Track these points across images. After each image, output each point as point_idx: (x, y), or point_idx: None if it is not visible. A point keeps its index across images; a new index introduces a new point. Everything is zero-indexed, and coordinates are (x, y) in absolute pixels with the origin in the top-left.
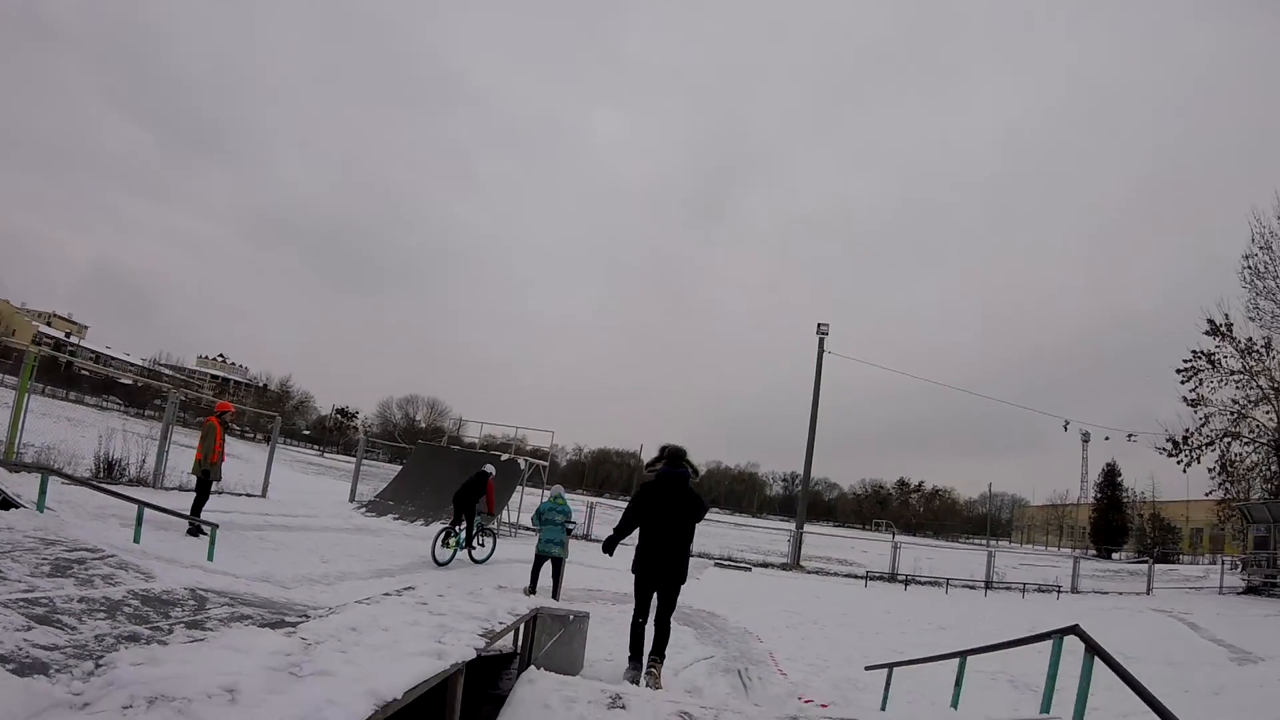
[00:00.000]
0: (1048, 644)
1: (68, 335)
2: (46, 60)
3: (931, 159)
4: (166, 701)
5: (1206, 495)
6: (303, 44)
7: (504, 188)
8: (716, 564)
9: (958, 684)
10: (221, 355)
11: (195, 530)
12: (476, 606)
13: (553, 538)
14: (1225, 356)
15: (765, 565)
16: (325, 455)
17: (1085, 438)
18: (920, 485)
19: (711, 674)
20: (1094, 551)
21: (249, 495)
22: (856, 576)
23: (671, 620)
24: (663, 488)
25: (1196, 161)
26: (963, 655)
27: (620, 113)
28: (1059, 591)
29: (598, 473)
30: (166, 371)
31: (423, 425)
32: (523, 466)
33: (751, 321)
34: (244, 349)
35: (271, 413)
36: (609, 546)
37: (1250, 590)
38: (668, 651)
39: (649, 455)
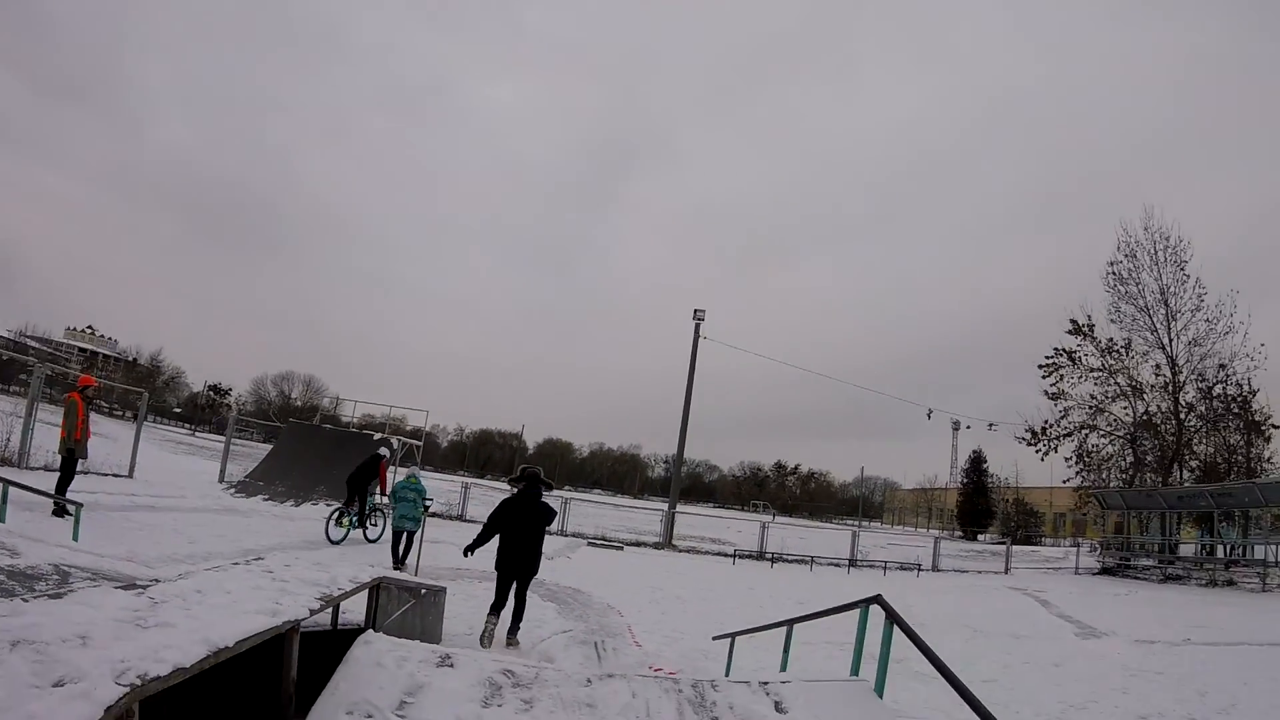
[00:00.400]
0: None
1: None
2: None
3: (825, 150)
4: (28, 644)
5: (1065, 483)
6: None
7: (392, 152)
8: (590, 544)
9: (785, 649)
10: (90, 327)
11: (60, 510)
12: (319, 574)
13: (406, 513)
14: (1086, 355)
15: (639, 544)
16: (197, 434)
17: (956, 426)
18: (796, 468)
19: (568, 646)
20: (960, 533)
21: (115, 475)
22: (727, 555)
23: (536, 597)
24: (521, 504)
25: (1077, 171)
26: (789, 624)
27: (519, 85)
28: (919, 570)
29: (479, 454)
30: (33, 344)
31: (299, 403)
32: (395, 446)
33: (639, 304)
34: (114, 320)
35: (139, 389)
36: (468, 551)
37: (1105, 571)
38: (528, 626)
39: (530, 437)
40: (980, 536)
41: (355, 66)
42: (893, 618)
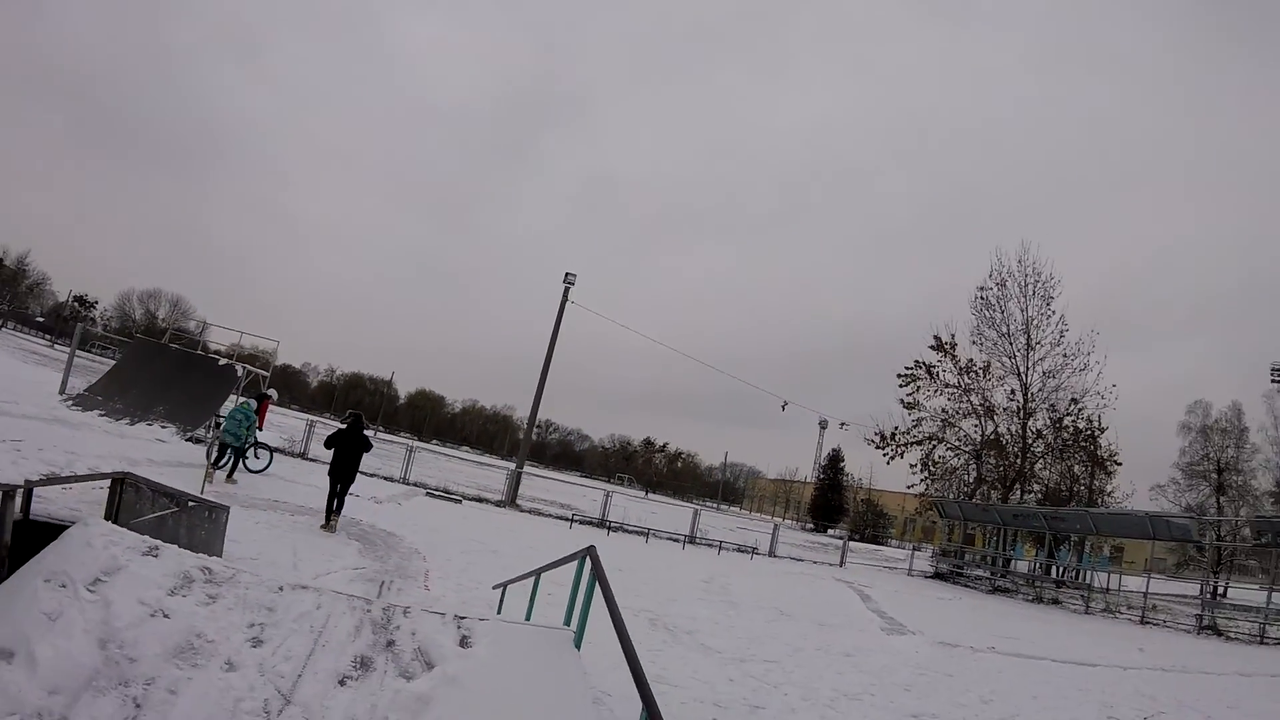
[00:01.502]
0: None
1: None
2: None
3: (739, 142)
4: None
5: (908, 489)
6: None
7: (296, 75)
8: (429, 494)
9: (532, 597)
10: None
11: None
12: (65, 459)
13: (230, 429)
14: (944, 370)
15: (480, 500)
16: (56, 346)
17: (823, 424)
18: (664, 446)
19: (352, 581)
20: (812, 525)
21: None
22: (567, 519)
23: (343, 535)
24: (347, 435)
25: (967, 200)
26: (537, 573)
27: (442, 22)
28: (754, 553)
29: (349, 396)
30: None
31: (164, 324)
32: (239, 374)
33: (531, 265)
34: None
35: None
36: (327, 444)
37: (937, 576)
38: (321, 560)
39: (402, 384)
40: (830, 531)
41: None
42: (597, 572)
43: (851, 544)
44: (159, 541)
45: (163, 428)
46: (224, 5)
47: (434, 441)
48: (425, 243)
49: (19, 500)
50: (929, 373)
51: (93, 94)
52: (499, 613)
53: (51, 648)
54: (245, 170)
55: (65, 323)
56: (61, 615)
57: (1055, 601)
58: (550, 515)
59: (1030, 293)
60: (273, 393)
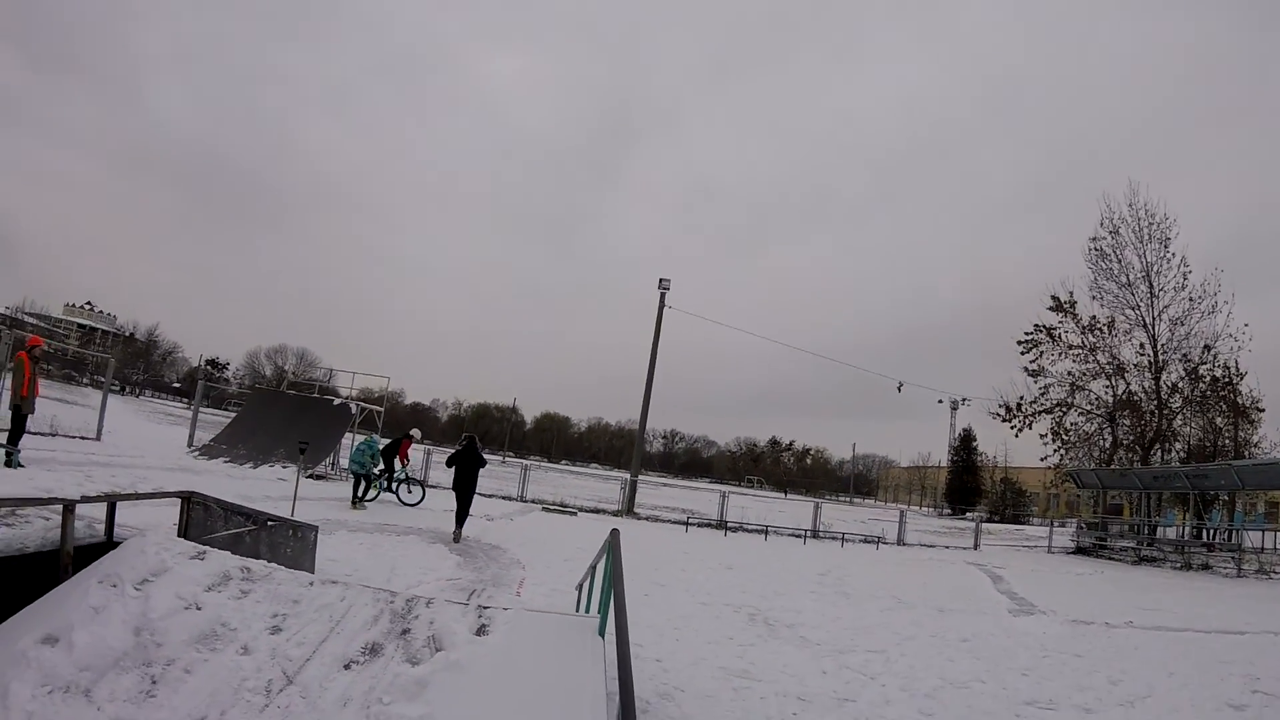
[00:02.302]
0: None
1: None
2: None
3: (825, 128)
4: None
5: (1041, 460)
6: None
7: (391, 123)
8: (544, 509)
9: (589, 586)
10: (90, 303)
11: (9, 461)
12: (125, 478)
13: (356, 459)
14: (1066, 331)
15: (597, 511)
16: (191, 408)
17: (954, 405)
18: (791, 444)
19: (443, 591)
20: (949, 510)
21: (83, 438)
22: (683, 524)
23: (443, 549)
24: (464, 454)
25: (1069, 153)
26: (591, 568)
27: (521, 57)
28: (880, 542)
29: (478, 426)
30: (30, 321)
31: (293, 376)
32: (353, 411)
33: (638, 279)
34: (113, 295)
35: (106, 355)
36: (449, 463)
37: (1079, 551)
38: (415, 573)
39: (527, 409)
40: (968, 515)
41: (355, 36)
42: (614, 556)
43: (989, 526)
44: (207, 547)
45: (284, 468)
46: (309, 66)
47: (563, 461)
48: (533, 270)
49: (103, 520)
50: (1050, 335)
51: (199, 169)
52: (579, 611)
53: (90, 634)
54: (354, 220)
55: (203, 388)
56: (106, 609)
57: (1205, 567)
58: (667, 521)
59: (1146, 237)
60: (415, 431)
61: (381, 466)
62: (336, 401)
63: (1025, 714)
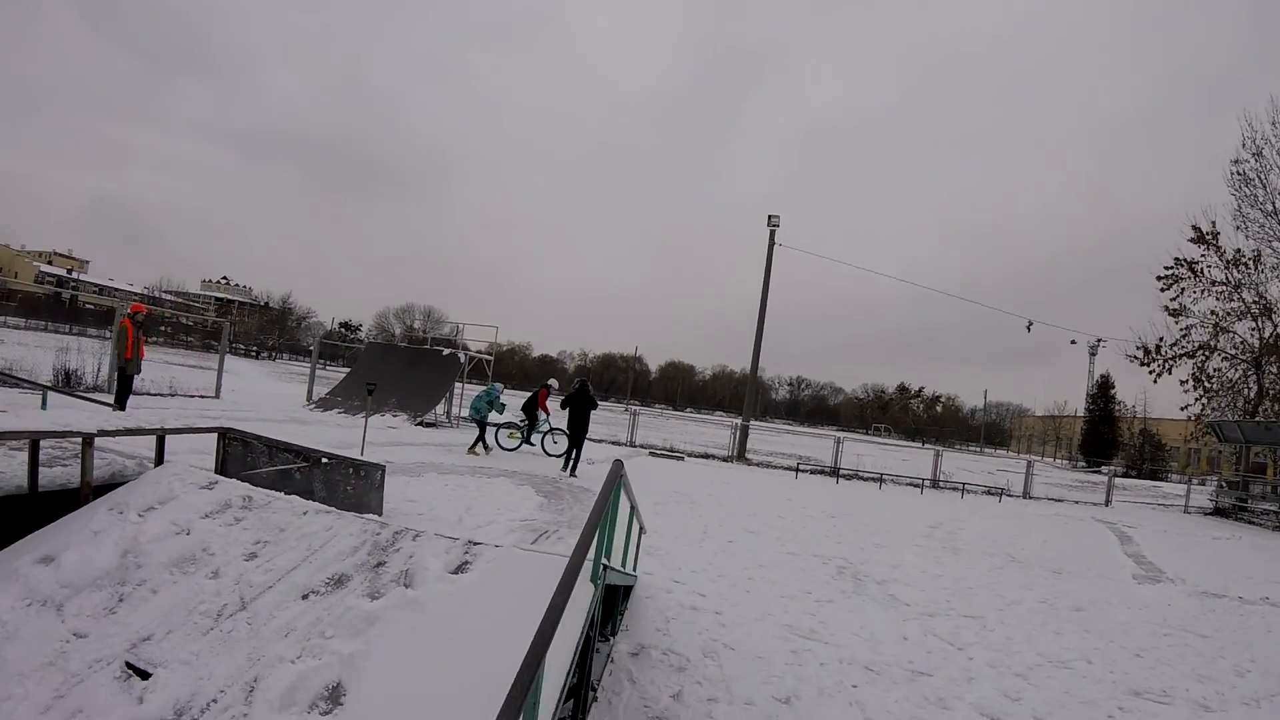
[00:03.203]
0: None
1: (69, 272)
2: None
3: (939, 59)
4: None
5: (1182, 410)
6: None
7: (498, 89)
8: (651, 454)
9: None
10: (225, 278)
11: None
12: (161, 416)
13: (477, 406)
14: (1209, 266)
15: (706, 457)
16: (328, 368)
17: (1092, 350)
18: (920, 391)
19: (512, 531)
20: (1083, 463)
21: (202, 396)
22: (794, 469)
23: (530, 489)
24: (578, 395)
25: (1210, 65)
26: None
27: (619, 10)
28: (1003, 494)
29: (604, 377)
30: (169, 298)
31: (421, 334)
32: (462, 360)
33: (758, 225)
34: (247, 269)
35: (221, 319)
36: (563, 405)
37: (1217, 512)
38: (493, 512)
39: (651, 360)
40: (1103, 468)
41: (454, 7)
42: (623, 485)
43: (1125, 481)
44: (220, 477)
45: (394, 416)
46: (419, 40)
47: (688, 409)
48: (653, 223)
49: (154, 447)
50: (1192, 270)
51: (319, 147)
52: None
53: (79, 554)
54: (476, 184)
55: (335, 348)
56: (105, 532)
57: None
58: (779, 467)
59: None
60: (553, 382)
61: (517, 416)
62: (445, 352)
63: (1130, 708)
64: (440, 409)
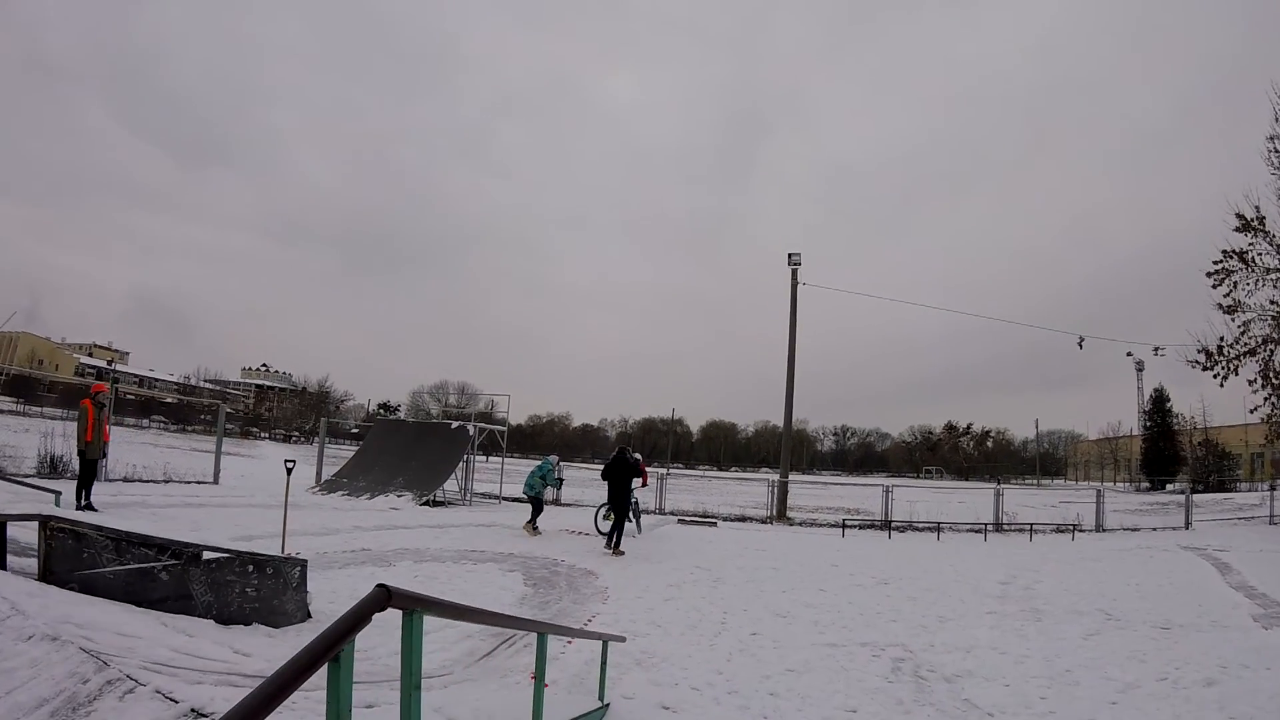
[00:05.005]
0: None
1: (109, 363)
2: (53, 97)
3: (957, 81)
4: None
5: (1251, 412)
6: (295, 38)
7: (521, 159)
8: (680, 520)
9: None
10: (265, 365)
11: (78, 505)
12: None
13: (531, 483)
14: (1260, 253)
15: (743, 519)
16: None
17: (1139, 366)
18: (969, 427)
19: (467, 637)
20: (1147, 484)
21: (198, 483)
22: (839, 526)
23: (517, 575)
24: (616, 463)
25: (1243, 57)
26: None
27: (635, 71)
28: (1075, 530)
29: (645, 441)
30: (207, 386)
31: (455, 411)
32: (470, 433)
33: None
34: (285, 355)
35: (215, 402)
36: (603, 477)
37: None
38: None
39: (692, 420)
40: (1169, 486)
41: (470, 79)
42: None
43: (1195, 497)
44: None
45: (398, 496)
46: (437, 117)
47: (733, 468)
48: (683, 281)
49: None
50: (1242, 260)
51: (350, 230)
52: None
53: None
54: (506, 256)
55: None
56: None
57: None
58: (824, 524)
59: None
60: (638, 455)
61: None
62: (454, 425)
63: None
64: (452, 485)
